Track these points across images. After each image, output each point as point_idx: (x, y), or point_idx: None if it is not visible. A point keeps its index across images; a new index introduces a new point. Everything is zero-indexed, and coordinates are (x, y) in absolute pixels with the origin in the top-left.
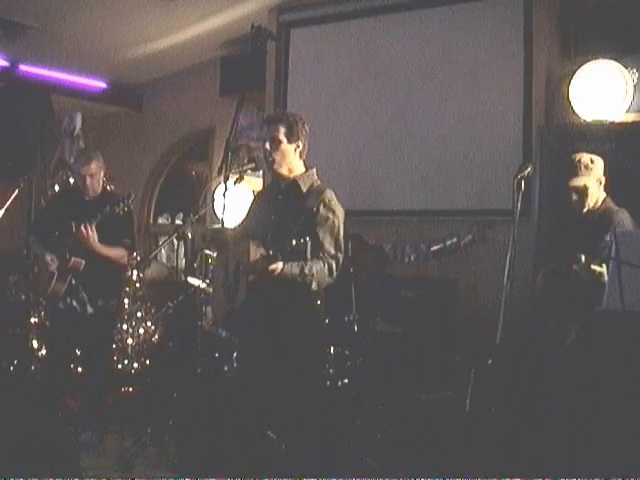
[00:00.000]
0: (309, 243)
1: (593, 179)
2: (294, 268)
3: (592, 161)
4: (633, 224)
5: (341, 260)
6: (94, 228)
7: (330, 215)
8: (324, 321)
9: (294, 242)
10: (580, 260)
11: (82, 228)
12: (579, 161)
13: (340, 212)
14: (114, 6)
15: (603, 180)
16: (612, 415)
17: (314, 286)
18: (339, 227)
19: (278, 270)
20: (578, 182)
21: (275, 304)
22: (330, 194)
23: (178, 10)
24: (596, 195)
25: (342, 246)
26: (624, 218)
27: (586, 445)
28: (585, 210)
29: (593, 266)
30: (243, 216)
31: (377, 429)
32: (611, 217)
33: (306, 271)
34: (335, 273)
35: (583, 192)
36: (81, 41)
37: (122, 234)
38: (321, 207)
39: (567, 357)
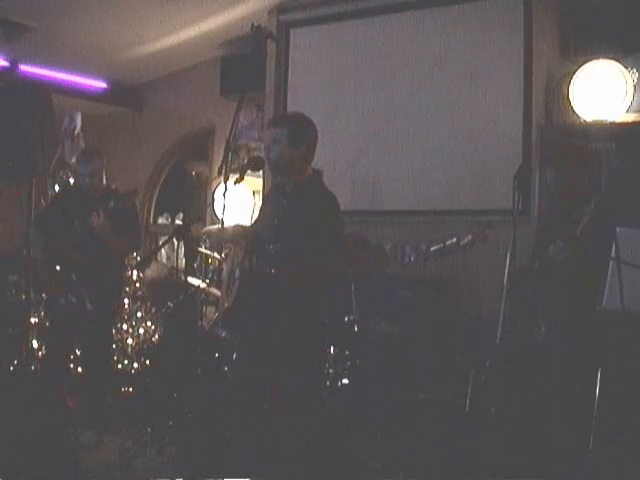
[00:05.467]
0: (288, 241)
1: (585, 169)
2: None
3: (587, 152)
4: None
5: (333, 270)
6: (102, 217)
7: (328, 225)
8: (324, 321)
9: (271, 247)
10: (557, 243)
11: (94, 216)
12: (575, 148)
13: (339, 223)
14: (114, 6)
15: (593, 174)
16: (613, 414)
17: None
18: (335, 238)
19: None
20: (572, 167)
21: (267, 306)
22: (332, 204)
23: (178, 10)
24: (583, 187)
25: (335, 256)
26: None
27: (586, 445)
28: (567, 200)
29: (572, 247)
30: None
31: (377, 429)
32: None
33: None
34: (325, 283)
35: (574, 179)
36: (81, 41)
37: (126, 231)
38: (321, 216)
39: (566, 356)
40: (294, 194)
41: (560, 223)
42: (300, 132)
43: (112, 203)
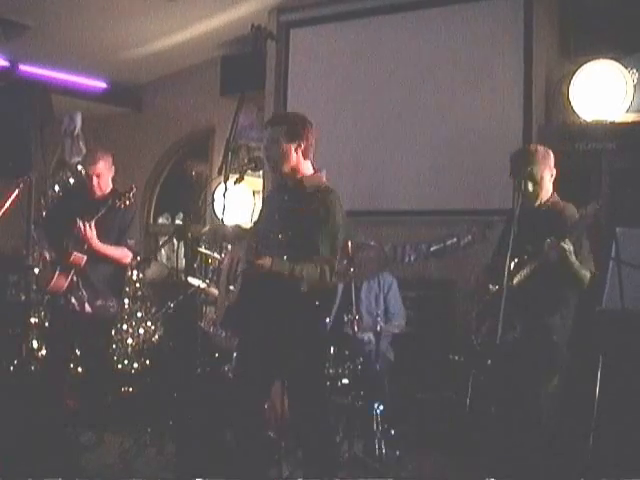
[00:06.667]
0: (290, 235)
1: (548, 169)
2: (283, 266)
3: (547, 152)
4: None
5: (336, 265)
6: (93, 226)
7: (330, 218)
8: (325, 322)
9: (279, 236)
10: (548, 241)
11: (80, 225)
12: (536, 151)
13: (341, 217)
14: (114, 6)
15: (554, 173)
16: (613, 414)
17: (303, 288)
18: (337, 231)
19: (266, 265)
20: (535, 170)
21: (270, 303)
22: (334, 197)
23: (178, 10)
24: (548, 187)
25: (338, 251)
26: (573, 212)
27: (585, 444)
28: (537, 203)
29: (562, 244)
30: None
31: (377, 429)
32: (560, 211)
33: (296, 272)
34: (329, 277)
35: (539, 182)
36: (81, 41)
37: (126, 232)
38: (322, 209)
39: (567, 355)
40: (295, 190)
41: (526, 226)
42: (297, 129)
43: (110, 202)
